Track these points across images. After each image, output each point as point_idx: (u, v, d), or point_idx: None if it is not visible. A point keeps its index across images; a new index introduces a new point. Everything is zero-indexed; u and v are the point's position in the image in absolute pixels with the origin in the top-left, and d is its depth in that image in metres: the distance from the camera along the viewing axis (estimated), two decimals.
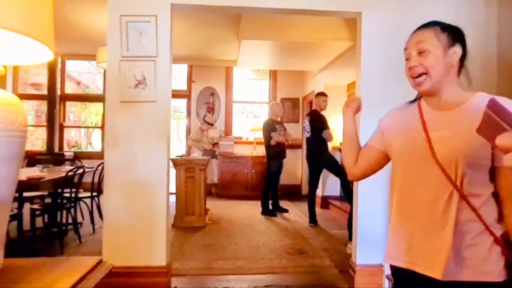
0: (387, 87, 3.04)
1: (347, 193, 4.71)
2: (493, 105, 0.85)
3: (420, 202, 1.14)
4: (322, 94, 5.25)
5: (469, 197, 1.07)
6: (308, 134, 5.13)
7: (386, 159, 1.34)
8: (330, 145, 5.35)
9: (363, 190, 3.07)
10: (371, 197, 3.03)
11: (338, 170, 5.12)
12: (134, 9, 2.87)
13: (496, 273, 1.06)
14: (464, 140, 1.07)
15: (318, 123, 5.04)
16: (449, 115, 1.14)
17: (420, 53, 1.15)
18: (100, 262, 0.88)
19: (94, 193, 4.60)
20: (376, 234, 3.00)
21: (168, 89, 2.96)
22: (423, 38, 1.15)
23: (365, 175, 1.40)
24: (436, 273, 1.08)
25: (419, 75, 1.15)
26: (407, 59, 1.20)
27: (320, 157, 5.08)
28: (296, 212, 5.93)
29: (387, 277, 2.89)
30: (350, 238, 3.75)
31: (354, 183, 3.24)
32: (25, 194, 3.86)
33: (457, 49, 1.14)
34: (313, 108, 5.34)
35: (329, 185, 6.33)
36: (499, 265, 1.06)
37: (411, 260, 1.15)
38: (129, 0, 2.88)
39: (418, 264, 1.14)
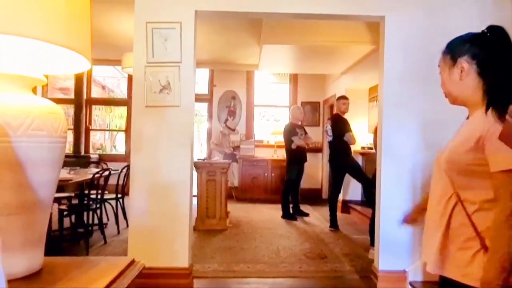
0: (410, 91, 3.02)
1: (369, 197, 4.66)
2: None
3: (431, 204, 1.26)
4: (342, 97, 5.23)
5: (465, 203, 1.14)
6: (330, 138, 5.10)
7: None
8: (351, 148, 5.31)
9: (385, 194, 3.05)
10: (394, 201, 3.00)
11: (360, 174, 5.08)
12: (160, 16, 2.95)
13: (475, 278, 1.08)
14: (451, 149, 1.17)
15: (340, 126, 5.02)
16: (463, 124, 1.25)
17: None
18: (132, 262, 0.93)
19: (119, 195, 4.72)
20: (399, 239, 2.97)
21: (192, 94, 3.03)
22: (438, 63, 1.28)
23: None
24: (428, 267, 1.21)
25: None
26: None
27: (342, 160, 5.04)
28: (317, 216, 5.90)
29: (411, 283, 2.86)
30: (372, 243, 3.71)
31: (377, 185, 3.21)
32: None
33: (464, 64, 1.18)
34: (335, 111, 5.32)
35: (350, 189, 6.28)
36: (481, 272, 1.07)
37: (424, 256, 1.28)
38: (155, 7, 2.96)
39: (425, 260, 1.26)
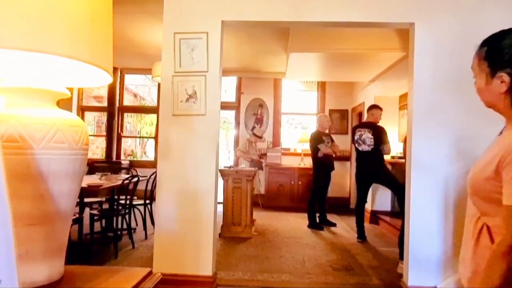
0: (441, 99, 2.92)
1: (403, 206, 4.50)
2: None
3: (466, 222, 1.21)
4: (378, 107, 5.09)
5: (492, 229, 1.07)
6: (368, 148, 4.91)
7: None
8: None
9: (416, 206, 2.94)
10: (425, 213, 2.90)
11: (394, 184, 4.88)
12: (187, 27, 3.01)
13: None
14: (474, 174, 1.11)
15: (381, 135, 4.89)
16: (494, 141, 1.14)
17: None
18: (150, 273, 0.94)
19: (147, 201, 4.82)
20: (429, 253, 2.86)
21: (217, 103, 3.06)
22: (472, 63, 1.14)
23: None
24: (464, 283, 1.18)
25: None
26: None
27: (378, 171, 4.90)
28: (344, 227, 5.78)
29: None
30: (401, 256, 3.58)
31: (406, 197, 3.11)
32: (86, 199, 4.16)
33: (505, 78, 1.04)
34: (368, 120, 5.15)
35: (379, 199, 6.11)
36: None
37: (460, 272, 1.22)
38: (182, 18, 3.03)
39: (462, 276, 1.21)
